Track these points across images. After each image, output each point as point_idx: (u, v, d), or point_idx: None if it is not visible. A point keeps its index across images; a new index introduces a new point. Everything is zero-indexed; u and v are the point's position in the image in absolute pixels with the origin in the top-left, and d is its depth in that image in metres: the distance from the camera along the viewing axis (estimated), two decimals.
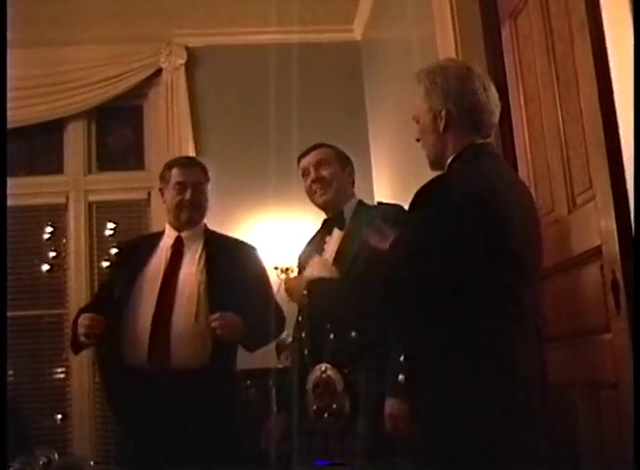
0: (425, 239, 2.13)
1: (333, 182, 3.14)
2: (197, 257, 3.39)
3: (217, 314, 3.15)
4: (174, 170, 3.48)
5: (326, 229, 3.20)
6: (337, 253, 3.06)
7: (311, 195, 3.18)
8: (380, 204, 3.31)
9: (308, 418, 2.98)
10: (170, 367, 3.16)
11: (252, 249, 3.60)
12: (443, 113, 2.33)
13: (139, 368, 3.18)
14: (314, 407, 2.93)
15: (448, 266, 2.08)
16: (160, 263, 3.38)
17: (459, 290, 2.07)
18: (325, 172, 3.14)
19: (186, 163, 3.60)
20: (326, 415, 2.89)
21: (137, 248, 3.57)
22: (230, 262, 3.35)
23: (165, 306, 3.24)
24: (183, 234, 3.45)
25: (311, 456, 2.92)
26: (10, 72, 5.53)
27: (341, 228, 3.12)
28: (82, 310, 3.43)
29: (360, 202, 3.22)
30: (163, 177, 3.52)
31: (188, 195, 3.41)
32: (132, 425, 3.25)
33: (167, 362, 3.16)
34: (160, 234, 3.55)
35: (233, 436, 3.23)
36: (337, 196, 3.15)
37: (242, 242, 3.65)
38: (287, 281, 2.91)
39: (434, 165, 2.45)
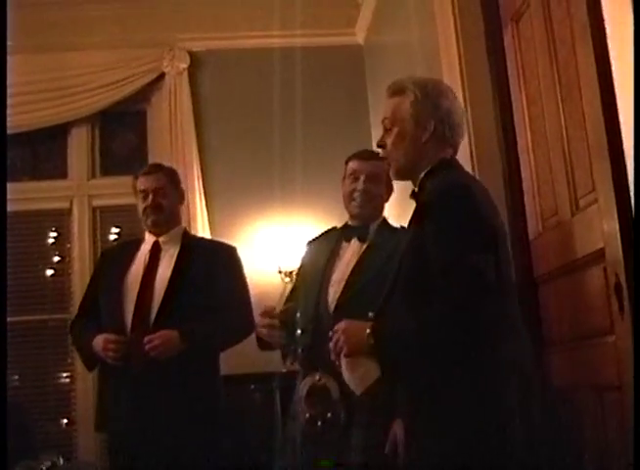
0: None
1: (376, 198, 3.11)
2: (173, 260, 3.48)
3: (147, 337, 3.25)
4: (139, 180, 3.63)
5: (344, 235, 3.14)
6: (356, 264, 3.01)
7: (350, 200, 3.11)
8: (403, 228, 3.23)
9: (298, 426, 2.95)
10: (150, 367, 3.24)
11: (229, 249, 3.68)
12: (432, 124, 2.35)
13: (122, 368, 3.28)
14: (307, 415, 2.90)
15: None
16: (139, 268, 3.49)
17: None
18: (374, 188, 3.08)
19: (148, 171, 3.70)
20: (320, 423, 2.86)
21: (118, 255, 3.68)
22: (202, 264, 3.45)
23: (144, 310, 3.37)
24: (160, 239, 3.57)
25: (301, 464, 2.91)
26: (13, 78, 5.55)
27: (362, 240, 3.07)
28: (74, 323, 3.66)
29: (384, 220, 3.17)
30: (134, 188, 3.65)
31: (149, 200, 3.55)
32: (116, 427, 3.38)
33: (147, 362, 3.24)
34: (141, 241, 3.65)
35: (213, 435, 3.34)
36: (372, 212, 3.11)
37: (219, 243, 3.81)
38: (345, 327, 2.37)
39: (400, 174, 2.46)
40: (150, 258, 3.50)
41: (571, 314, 2.78)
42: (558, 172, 2.85)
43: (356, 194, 3.07)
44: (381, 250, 2.99)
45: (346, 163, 3.17)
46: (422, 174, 2.37)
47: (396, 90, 2.45)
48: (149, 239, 3.58)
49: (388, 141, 2.42)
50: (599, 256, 2.47)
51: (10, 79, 5.47)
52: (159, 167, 3.74)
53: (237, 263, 3.61)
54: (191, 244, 3.60)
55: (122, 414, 3.28)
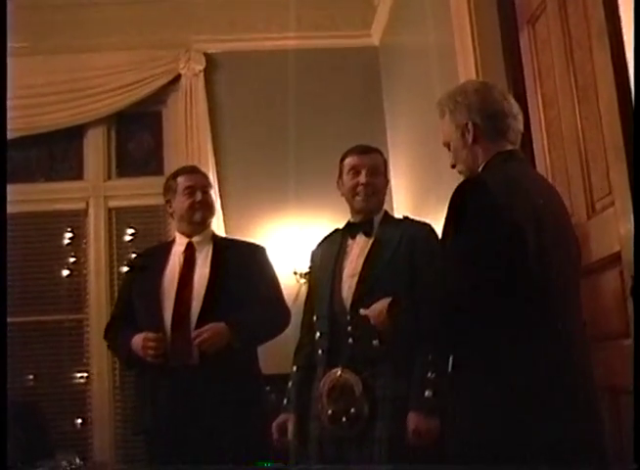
0: (471, 246, 2.14)
1: (379, 191, 3.14)
2: (208, 260, 3.50)
3: (196, 331, 3.27)
4: (180, 178, 3.61)
5: (349, 232, 3.17)
6: (366, 258, 3.03)
7: (353, 195, 3.14)
8: (406, 218, 3.25)
9: (320, 423, 2.97)
10: (191, 362, 3.29)
11: (260, 249, 3.70)
12: (470, 125, 2.38)
13: (161, 366, 3.29)
14: (329, 412, 2.92)
15: (496, 272, 2.09)
16: (174, 268, 3.50)
17: (504, 295, 2.10)
18: (376, 181, 3.13)
19: (190, 169, 3.75)
20: (344, 419, 2.88)
21: (150, 258, 3.69)
22: (237, 263, 3.46)
23: (183, 307, 3.37)
24: (194, 239, 3.56)
25: (324, 463, 2.93)
26: (30, 79, 5.59)
27: (367, 235, 3.10)
28: (109, 327, 3.65)
29: (386, 212, 3.21)
30: (169, 187, 3.63)
31: (199, 196, 3.54)
32: (154, 419, 3.36)
33: (189, 358, 3.29)
34: (171, 243, 3.67)
35: (248, 431, 3.30)
36: (376, 205, 3.14)
37: (249, 243, 3.78)
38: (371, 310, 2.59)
39: None
40: (185, 258, 3.52)
41: (587, 317, 2.77)
42: (574, 175, 2.84)
43: (360, 188, 3.10)
44: (389, 242, 3.03)
45: (342, 160, 3.21)
46: (479, 170, 2.39)
47: (440, 113, 2.50)
48: (181, 240, 3.59)
49: (452, 159, 2.48)
50: (615, 259, 2.46)
51: (26, 81, 5.52)
52: (199, 169, 3.79)
53: (268, 262, 3.66)
54: (222, 244, 3.64)
55: (161, 412, 3.29)
